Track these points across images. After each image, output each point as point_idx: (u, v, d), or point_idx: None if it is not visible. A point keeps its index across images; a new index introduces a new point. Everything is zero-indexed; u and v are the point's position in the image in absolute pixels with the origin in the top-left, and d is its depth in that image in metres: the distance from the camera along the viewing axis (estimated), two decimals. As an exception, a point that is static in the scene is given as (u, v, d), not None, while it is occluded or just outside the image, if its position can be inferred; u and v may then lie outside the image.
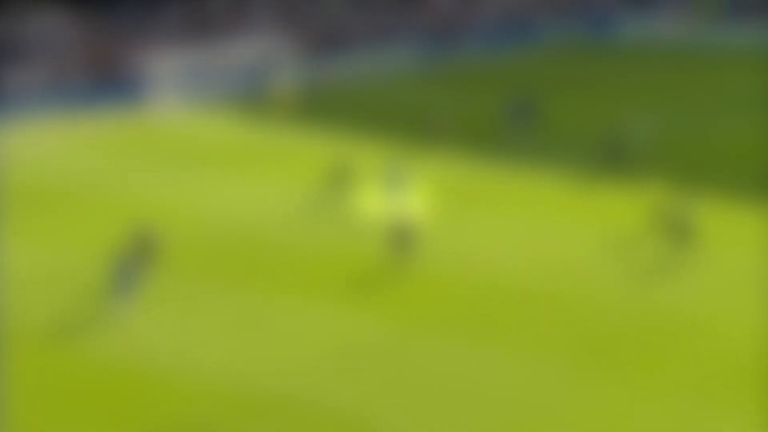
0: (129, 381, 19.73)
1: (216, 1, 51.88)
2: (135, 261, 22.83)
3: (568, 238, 27.44)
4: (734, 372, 19.79)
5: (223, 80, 45.61)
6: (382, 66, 50.71)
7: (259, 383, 19.43)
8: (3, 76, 40.43)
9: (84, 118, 40.99)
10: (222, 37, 48.88)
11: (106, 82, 43.86)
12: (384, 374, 19.67)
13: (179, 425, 17.76)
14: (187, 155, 35.88)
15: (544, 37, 56.15)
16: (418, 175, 32.99)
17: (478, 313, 22.69)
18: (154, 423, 17.84)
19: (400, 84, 46.30)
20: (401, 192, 30.19)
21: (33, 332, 22.07)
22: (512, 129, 37.35)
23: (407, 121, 40.21)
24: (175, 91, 42.47)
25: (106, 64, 44.28)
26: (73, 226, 28.71)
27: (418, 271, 25.18)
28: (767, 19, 53.96)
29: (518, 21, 56.45)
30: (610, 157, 34.00)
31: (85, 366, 20.31)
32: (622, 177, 32.36)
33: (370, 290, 24.01)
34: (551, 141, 36.86)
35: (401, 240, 25.23)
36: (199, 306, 23.40)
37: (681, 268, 25.20)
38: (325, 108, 42.69)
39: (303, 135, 38.33)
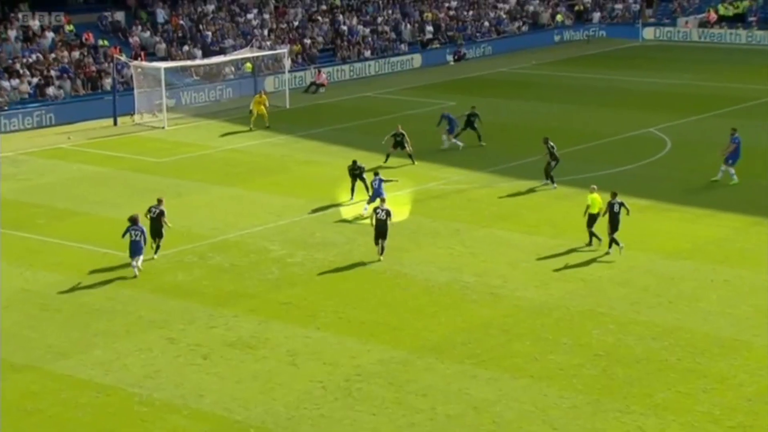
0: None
1: (206, 7, 51.15)
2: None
3: None
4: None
5: (214, 89, 44.57)
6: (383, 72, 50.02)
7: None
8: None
9: (71, 127, 39.66)
10: (212, 45, 48.15)
11: (94, 90, 42.92)
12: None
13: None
14: (177, 166, 34.55)
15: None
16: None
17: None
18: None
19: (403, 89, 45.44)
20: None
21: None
22: None
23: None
24: (164, 101, 41.06)
25: (94, 72, 43.24)
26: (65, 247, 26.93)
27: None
28: None
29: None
30: None
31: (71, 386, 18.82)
32: None
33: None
34: None
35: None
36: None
37: None
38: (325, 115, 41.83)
39: (309, 145, 37.03)
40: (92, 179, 33.05)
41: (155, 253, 25.49)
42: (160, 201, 25.96)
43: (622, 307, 22.92)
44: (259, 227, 28.16)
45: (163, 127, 40.04)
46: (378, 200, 26.68)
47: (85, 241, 27.05)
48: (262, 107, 39.84)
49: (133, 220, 24.49)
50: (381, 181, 28.62)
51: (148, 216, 25.55)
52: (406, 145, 33.23)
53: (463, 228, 28.20)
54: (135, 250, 24.35)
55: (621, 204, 26.47)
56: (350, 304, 23.17)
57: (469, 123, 36.86)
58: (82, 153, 36.52)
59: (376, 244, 25.69)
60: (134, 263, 24.48)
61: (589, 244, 26.50)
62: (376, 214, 25.94)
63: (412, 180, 32.12)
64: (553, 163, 31.40)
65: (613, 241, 26.13)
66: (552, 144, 31.57)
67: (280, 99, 43.58)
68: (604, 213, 26.21)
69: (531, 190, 31.03)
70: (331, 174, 33.27)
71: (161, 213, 25.47)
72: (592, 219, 26.49)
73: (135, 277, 24.50)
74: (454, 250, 26.61)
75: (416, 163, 33.48)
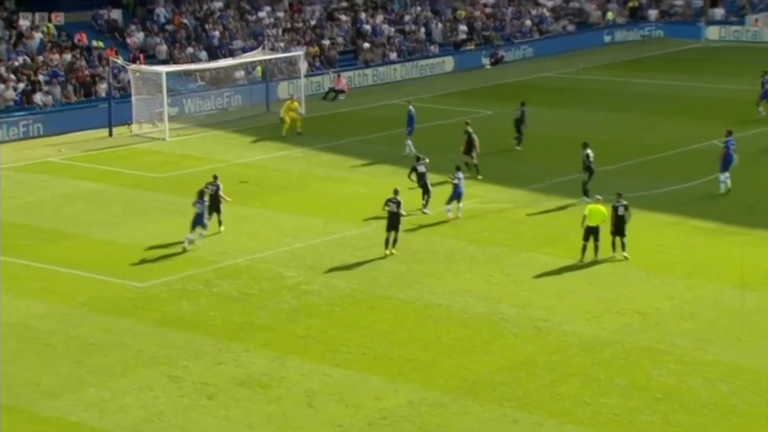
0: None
1: (213, 6, 51.62)
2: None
3: None
4: None
5: (220, 95, 44.78)
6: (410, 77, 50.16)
7: None
8: None
9: (63, 136, 40.08)
10: (219, 47, 48.58)
11: (88, 96, 43.34)
12: None
13: None
14: (182, 180, 34.78)
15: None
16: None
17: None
18: None
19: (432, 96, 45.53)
20: None
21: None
22: None
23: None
24: (165, 108, 41.41)
25: (87, 78, 43.70)
26: (54, 273, 27.12)
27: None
28: None
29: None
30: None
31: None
32: None
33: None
34: None
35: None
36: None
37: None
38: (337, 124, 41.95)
39: (327, 159, 37.23)
40: (85, 197, 33.33)
41: (220, 226, 29.05)
42: (215, 177, 29.62)
43: (685, 344, 22.79)
44: (273, 251, 28.26)
45: (164, 139, 40.33)
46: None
47: (77, 266, 27.21)
48: (294, 114, 40.18)
49: (200, 194, 28.38)
50: (460, 178, 30.12)
51: (207, 193, 28.90)
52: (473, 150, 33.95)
53: (502, 253, 28.17)
54: (196, 221, 28.00)
55: (626, 207, 26.87)
56: (375, 338, 23.16)
57: (516, 122, 37.50)
58: (74, 167, 36.83)
59: (387, 237, 27.28)
60: (189, 236, 27.90)
61: (581, 260, 26.87)
62: (387, 205, 27.55)
63: (444, 198, 32.16)
64: (586, 175, 31.42)
65: (622, 245, 26.92)
66: (589, 152, 31.58)
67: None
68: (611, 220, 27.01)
69: (579, 210, 30.99)
70: (353, 191, 33.38)
71: (218, 188, 29.16)
72: (588, 232, 26.84)
73: (184, 251, 27.52)
74: (493, 277, 26.57)
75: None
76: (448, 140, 38.71)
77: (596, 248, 27.12)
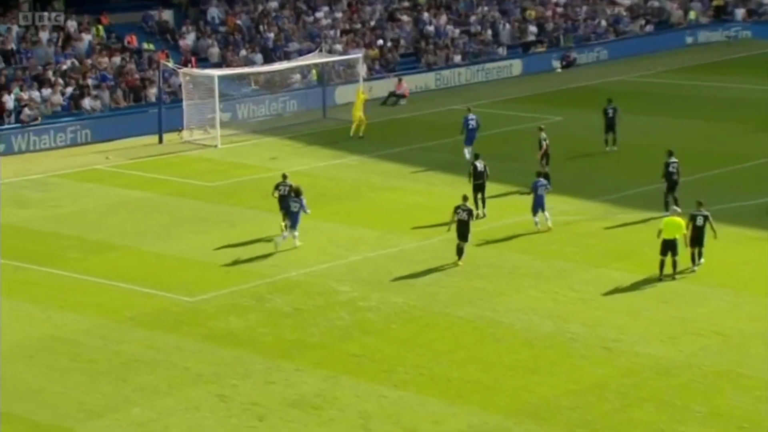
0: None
1: (267, 5, 51.98)
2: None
3: None
4: None
5: (275, 101, 45.12)
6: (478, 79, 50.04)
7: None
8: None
9: (108, 144, 40.60)
10: (274, 50, 48.93)
11: (134, 103, 43.79)
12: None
13: None
14: (232, 191, 35.04)
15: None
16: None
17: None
18: None
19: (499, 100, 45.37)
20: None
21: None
22: None
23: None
24: (215, 114, 41.81)
25: (134, 81, 44.28)
26: (89, 285, 27.55)
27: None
28: None
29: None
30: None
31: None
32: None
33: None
34: None
35: None
36: None
37: None
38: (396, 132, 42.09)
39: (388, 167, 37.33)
40: (133, 206, 33.74)
41: (286, 231, 29.38)
42: (285, 176, 30.53)
43: (769, 368, 22.45)
44: (327, 264, 28.37)
45: (215, 146, 40.70)
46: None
47: (122, 279, 27.54)
48: (359, 113, 40.69)
49: (297, 192, 29.15)
50: (545, 186, 30.17)
51: (277, 194, 30.02)
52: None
53: (570, 268, 27.98)
54: (294, 220, 28.95)
55: (705, 218, 26.59)
56: (433, 357, 23.13)
57: (610, 122, 37.62)
58: (121, 175, 37.30)
59: (458, 246, 27.67)
60: (285, 234, 28.91)
61: (660, 277, 26.61)
62: (457, 212, 27.91)
63: (507, 209, 32.05)
64: (666, 185, 31.14)
65: (699, 254, 26.76)
66: (673, 161, 31.31)
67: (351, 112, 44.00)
68: (688, 230, 26.81)
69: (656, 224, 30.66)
70: (411, 201, 33.39)
71: (290, 188, 29.74)
72: (665, 246, 26.53)
73: (275, 249, 28.62)
74: (560, 294, 26.40)
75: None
76: (515, 148, 38.60)
77: (674, 264, 26.83)
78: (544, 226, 30.18)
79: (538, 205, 30.15)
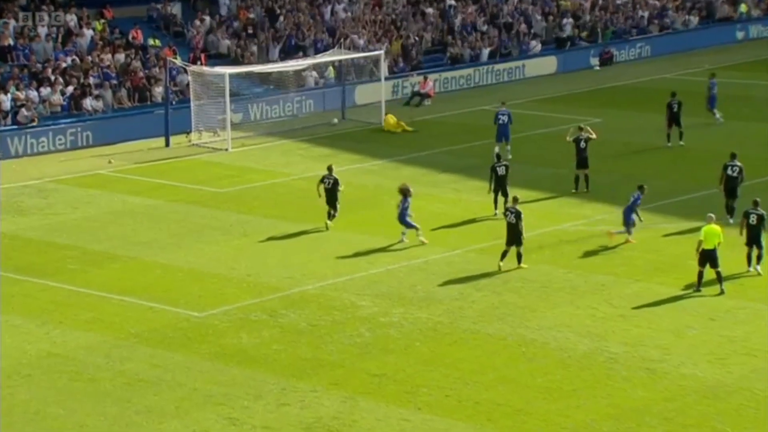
0: None
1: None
2: None
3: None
4: None
5: (291, 101, 45.35)
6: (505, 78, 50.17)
7: None
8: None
9: (111, 147, 40.97)
10: (290, 45, 49.15)
11: (140, 103, 44.13)
12: None
13: None
14: (240, 199, 35.27)
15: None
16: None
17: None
18: None
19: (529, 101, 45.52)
20: None
21: None
22: None
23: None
24: (226, 115, 42.03)
25: (138, 81, 44.55)
26: (90, 300, 27.77)
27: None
28: None
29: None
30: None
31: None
32: None
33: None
34: None
35: None
36: None
37: None
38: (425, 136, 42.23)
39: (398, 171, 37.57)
40: (138, 214, 33.96)
41: (329, 220, 31.30)
42: (330, 168, 32.07)
43: (827, 392, 22.39)
44: (345, 277, 28.51)
45: (226, 149, 40.94)
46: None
47: (126, 292, 27.77)
48: (392, 118, 41.97)
49: (404, 192, 30.27)
50: (637, 198, 30.29)
51: (322, 186, 31.47)
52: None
53: (609, 282, 28.00)
54: (407, 223, 30.19)
55: (761, 217, 26.74)
56: (461, 378, 23.22)
57: (673, 115, 38.31)
58: (125, 180, 37.57)
59: (505, 251, 28.38)
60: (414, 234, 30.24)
61: (697, 288, 26.70)
62: (506, 215, 28.77)
63: (542, 217, 32.08)
64: (724, 191, 31.24)
65: (757, 257, 27.11)
66: (735, 164, 31.37)
67: (374, 113, 44.12)
68: (742, 230, 27.30)
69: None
70: (436, 209, 33.47)
71: (336, 182, 31.45)
72: (704, 256, 26.64)
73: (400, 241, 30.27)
74: (598, 310, 26.43)
75: (580, 190, 34.19)
76: (550, 151, 38.61)
77: (719, 277, 26.82)
78: (624, 238, 30.28)
79: (628, 220, 30.21)
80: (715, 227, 26.95)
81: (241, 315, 26.40)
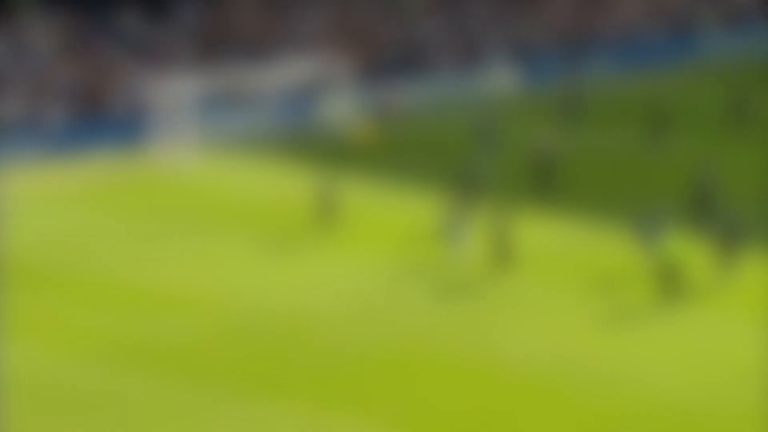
0: None
1: (244, 7, 52.45)
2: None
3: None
4: None
5: (255, 113, 45.82)
6: (471, 92, 51.10)
7: None
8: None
9: (67, 163, 41.36)
10: (252, 55, 49.25)
11: (96, 116, 44.27)
12: None
13: None
14: (206, 217, 35.94)
15: (704, 51, 55.36)
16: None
17: None
18: None
19: (498, 115, 46.46)
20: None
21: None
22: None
23: (506, 167, 40.02)
24: (188, 128, 42.58)
25: (95, 93, 45.04)
26: (57, 318, 28.54)
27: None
28: None
29: (669, 30, 55.81)
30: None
31: None
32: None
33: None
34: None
35: None
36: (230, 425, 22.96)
37: None
38: (398, 148, 42.83)
39: (370, 186, 38.35)
40: (94, 233, 34.27)
41: None
42: None
43: None
44: (310, 295, 29.26)
45: (187, 165, 41.12)
46: None
47: (83, 312, 28.24)
48: (366, 131, 41.07)
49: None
50: None
51: None
52: None
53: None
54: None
55: None
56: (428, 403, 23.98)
57: None
58: (82, 198, 37.73)
59: None
60: None
61: None
62: None
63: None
64: None
65: None
66: None
67: (340, 126, 44.46)
68: None
69: None
70: (409, 224, 34.20)
71: None
72: None
73: None
74: (569, 328, 27.18)
75: None
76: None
77: None
78: None
79: None
80: None
81: (207, 334, 26.88)
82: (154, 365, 25.68)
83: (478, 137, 38.89)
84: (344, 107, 45.28)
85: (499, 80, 51.62)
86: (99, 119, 43.94)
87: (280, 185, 38.87)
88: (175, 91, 42.25)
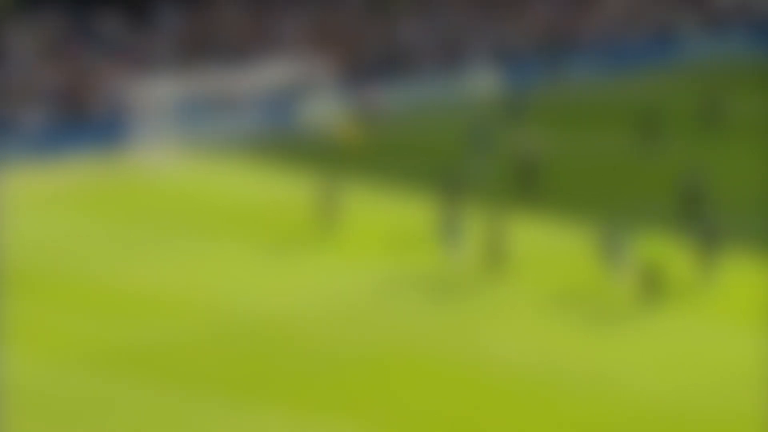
0: None
1: (225, 10, 52.75)
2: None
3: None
4: None
5: (237, 116, 46.15)
6: (454, 94, 51.57)
7: None
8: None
9: (49, 166, 41.63)
10: (234, 58, 49.79)
11: (78, 119, 44.47)
12: None
13: None
14: (190, 220, 36.15)
15: (685, 54, 56.22)
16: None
17: None
18: None
19: (479, 118, 46.81)
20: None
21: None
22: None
23: (488, 170, 40.63)
24: (170, 131, 42.95)
25: (77, 96, 45.48)
26: (42, 323, 28.72)
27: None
28: None
29: (650, 33, 56.55)
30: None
31: None
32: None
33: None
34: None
35: None
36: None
37: None
38: (383, 151, 43.11)
39: (354, 188, 38.59)
40: (77, 236, 34.46)
41: None
42: None
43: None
44: (297, 299, 29.59)
45: (170, 168, 41.44)
46: None
47: (67, 317, 28.49)
48: (349, 133, 41.36)
49: None
50: None
51: None
52: None
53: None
54: None
55: None
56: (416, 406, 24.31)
57: None
58: (64, 202, 37.93)
59: None
60: None
61: None
62: None
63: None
64: None
65: None
66: None
67: (323, 129, 44.76)
68: None
69: None
70: (398, 227, 34.59)
71: None
72: None
73: None
74: (559, 332, 27.65)
75: None
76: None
77: None
78: None
79: None
80: None
81: (189, 339, 27.16)
82: (141, 370, 25.96)
83: (467, 140, 39.43)
84: (326, 110, 45.82)
85: (482, 83, 52.34)
86: (81, 122, 44.26)
87: (264, 188, 39.21)
88: (157, 94, 42.62)
